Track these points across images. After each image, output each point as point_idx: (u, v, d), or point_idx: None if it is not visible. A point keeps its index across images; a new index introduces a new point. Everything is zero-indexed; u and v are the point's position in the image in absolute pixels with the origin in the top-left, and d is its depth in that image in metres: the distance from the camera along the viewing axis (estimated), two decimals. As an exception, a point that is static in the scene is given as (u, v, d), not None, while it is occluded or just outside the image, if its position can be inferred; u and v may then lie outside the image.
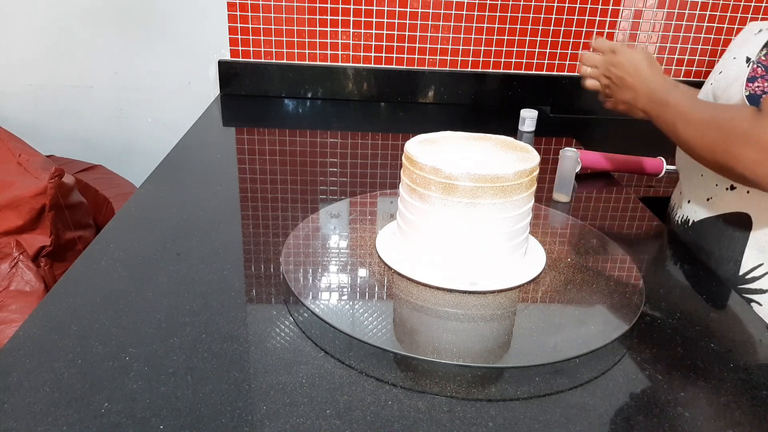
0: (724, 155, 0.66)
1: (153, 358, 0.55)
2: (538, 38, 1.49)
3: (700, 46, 1.52)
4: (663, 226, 0.90)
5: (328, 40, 1.48)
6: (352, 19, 1.45)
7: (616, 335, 0.60)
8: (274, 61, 1.49)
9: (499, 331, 0.63)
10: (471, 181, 0.64)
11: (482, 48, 1.50)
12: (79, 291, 0.65)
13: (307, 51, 1.49)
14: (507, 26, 1.48)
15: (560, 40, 1.50)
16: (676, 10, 1.48)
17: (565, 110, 1.52)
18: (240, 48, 1.48)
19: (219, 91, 1.52)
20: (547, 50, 1.51)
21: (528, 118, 1.32)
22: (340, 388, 0.53)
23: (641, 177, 1.13)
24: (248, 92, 1.52)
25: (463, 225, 0.67)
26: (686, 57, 1.53)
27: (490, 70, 1.53)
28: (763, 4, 1.49)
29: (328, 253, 0.75)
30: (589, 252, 0.79)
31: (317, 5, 1.43)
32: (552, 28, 1.49)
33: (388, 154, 1.17)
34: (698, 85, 0.83)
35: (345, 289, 0.68)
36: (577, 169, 0.99)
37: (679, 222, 0.87)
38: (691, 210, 0.84)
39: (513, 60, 1.52)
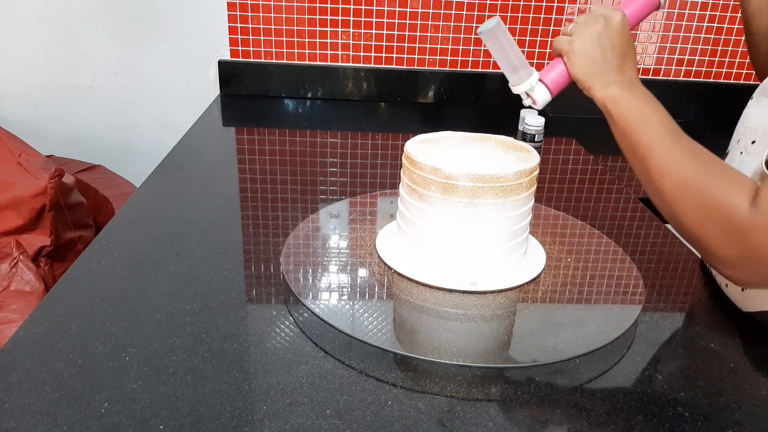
0: (700, 230, 0.55)
1: (153, 358, 0.55)
2: (538, 38, 1.49)
3: (700, 46, 1.52)
4: (663, 226, 0.90)
5: (328, 40, 1.48)
6: (352, 19, 1.45)
7: (616, 335, 0.60)
8: (274, 61, 1.49)
9: (499, 331, 0.63)
10: (471, 181, 0.64)
11: (482, 48, 1.50)
12: (79, 291, 0.65)
13: (307, 51, 1.49)
14: (507, 26, 1.47)
15: (560, 40, 1.50)
16: (676, 10, 1.48)
17: (565, 110, 1.52)
18: (240, 48, 1.48)
19: (219, 91, 1.52)
20: (547, 50, 1.51)
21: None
22: (340, 388, 0.53)
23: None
24: (248, 92, 1.52)
25: (463, 225, 0.67)
26: (686, 57, 1.53)
27: (490, 70, 1.53)
28: (763, 4, 1.48)
29: (328, 253, 0.75)
30: (589, 252, 0.79)
31: (317, 5, 1.43)
32: (552, 28, 1.48)
33: (388, 154, 1.17)
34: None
35: (345, 289, 0.68)
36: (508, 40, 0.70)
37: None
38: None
39: (513, 60, 1.52)
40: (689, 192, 0.55)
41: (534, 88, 0.70)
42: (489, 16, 1.46)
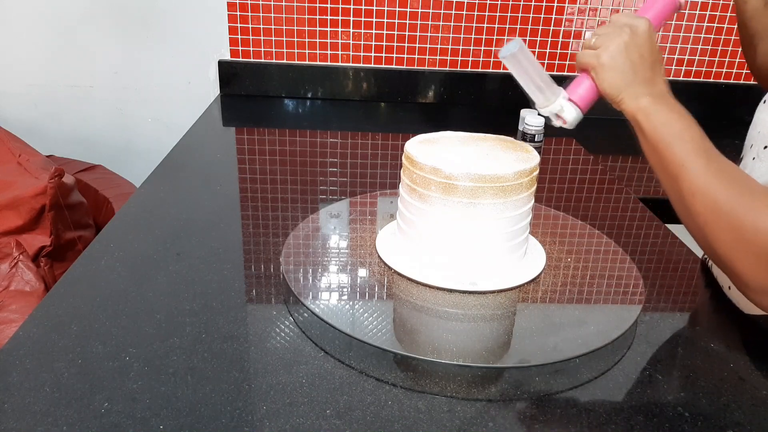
0: (732, 254, 0.53)
1: (153, 358, 0.55)
2: (538, 38, 1.49)
3: (700, 46, 1.52)
4: (663, 226, 0.90)
5: (328, 40, 1.48)
6: (352, 19, 1.45)
7: (616, 335, 0.60)
8: (274, 61, 1.49)
9: (499, 331, 0.63)
10: (471, 181, 0.64)
11: (482, 48, 1.50)
12: (79, 291, 0.65)
13: (307, 51, 1.49)
14: (507, 26, 1.48)
15: (560, 40, 1.50)
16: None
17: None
18: (240, 48, 1.48)
19: (219, 91, 1.52)
20: (547, 50, 1.51)
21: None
22: (340, 388, 0.53)
23: (641, 177, 1.13)
24: (248, 92, 1.52)
25: (463, 225, 0.67)
26: (686, 57, 1.54)
27: (490, 70, 1.53)
28: (763, 4, 1.48)
29: (328, 253, 0.75)
30: (589, 252, 0.79)
31: (317, 5, 1.43)
32: (552, 28, 1.48)
33: (388, 154, 1.17)
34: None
35: (345, 289, 0.68)
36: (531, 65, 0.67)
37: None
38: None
39: (513, 60, 1.51)
40: (721, 215, 0.53)
41: (563, 108, 0.67)
42: (489, 17, 1.46)
